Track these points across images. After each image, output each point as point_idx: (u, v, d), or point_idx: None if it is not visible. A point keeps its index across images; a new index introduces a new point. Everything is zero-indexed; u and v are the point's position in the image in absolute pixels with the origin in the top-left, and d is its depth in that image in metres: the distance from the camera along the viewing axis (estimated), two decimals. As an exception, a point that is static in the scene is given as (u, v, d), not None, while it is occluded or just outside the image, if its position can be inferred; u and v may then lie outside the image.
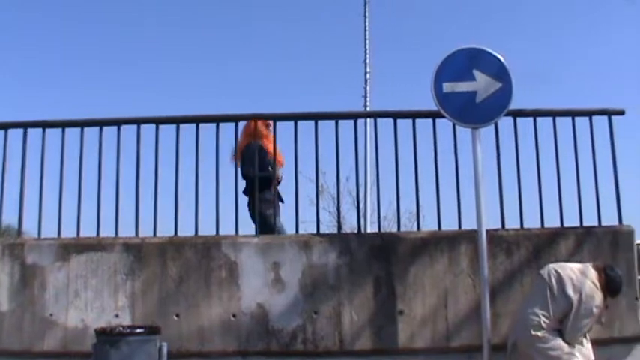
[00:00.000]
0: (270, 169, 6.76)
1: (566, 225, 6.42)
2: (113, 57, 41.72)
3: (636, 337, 6.19)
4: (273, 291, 6.04)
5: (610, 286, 5.43)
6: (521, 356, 5.42)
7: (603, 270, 5.48)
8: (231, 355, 5.99)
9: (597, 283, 5.37)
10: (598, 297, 5.34)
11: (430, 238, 6.22)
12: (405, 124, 6.41)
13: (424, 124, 6.40)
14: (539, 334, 5.25)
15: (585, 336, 5.44)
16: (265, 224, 6.64)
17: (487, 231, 5.80)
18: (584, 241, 6.28)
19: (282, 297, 6.03)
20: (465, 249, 6.12)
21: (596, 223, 6.45)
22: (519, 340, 5.41)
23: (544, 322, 5.26)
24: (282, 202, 7.16)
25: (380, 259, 6.10)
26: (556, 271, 5.42)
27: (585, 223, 6.43)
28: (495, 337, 5.76)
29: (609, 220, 6.48)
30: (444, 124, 6.23)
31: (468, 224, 6.18)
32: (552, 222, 6.43)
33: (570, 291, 5.29)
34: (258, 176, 6.58)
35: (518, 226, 6.38)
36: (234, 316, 6.00)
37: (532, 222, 6.41)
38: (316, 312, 6.00)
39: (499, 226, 6.36)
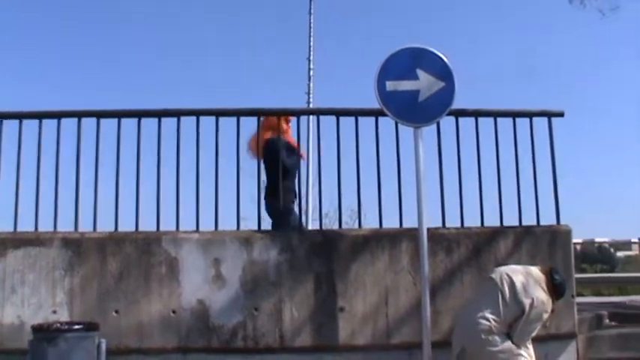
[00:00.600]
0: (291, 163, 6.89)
1: (505, 224, 6.52)
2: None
3: (572, 334, 6.33)
4: (213, 287, 6.00)
5: (556, 291, 5.51)
6: None
7: (549, 274, 5.56)
8: (171, 352, 5.92)
9: (546, 288, 5.44)
10: (548, 302, 5.42)
11: (371, 235, 6.25)
12: (348, 122, 6.43)
13: (367, 123, 6.43)
14: (490, 338, 5.28)
15: None
16: (285, 217, 6.87)
17: (428, 229, 5.82)
18: (524, 240, 6.38)
19: (223, 293, 5.99)
20: (406, 247, 6.16)
21: (535, 223, 6.56)
22: (469, 344, 5.42)
23: (494, 326, 5.29)
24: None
25: (321, 256, 6.11)
26: (508, 276, 5.46)
27: (524, 223, 6.54)
28: (436, 335, 5.81)
29: (548, 219, 6.61)
30: (387, 123, 6.25)
31: (409, 222, 6.23)
32: (492, 221, 6.52)
33: (522, 297, 5.34)
34: (289, 169, 6.78)
35: (459, 225, 6.45)
36: (174, 312, 5.94)
37: (472, 221, 6.50)
38: (257, 309, 5.98)
39: (440, 224, 6.41)
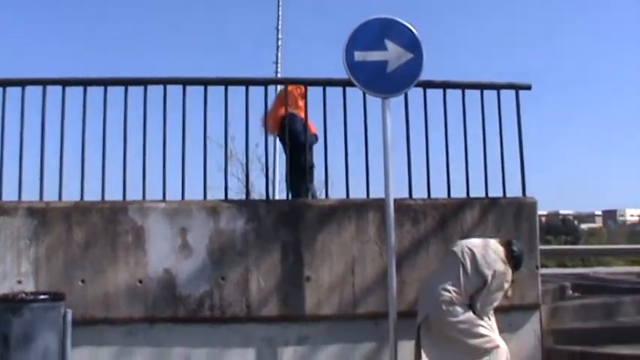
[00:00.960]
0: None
1: (472, 195, 6.57)
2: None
3: (535, 305, 6.42)
4: (180, 257, 5.98)
5: (515, 261, 5.63)
6: (433, 330, 5.53)
7: (508, 245, 5.65)
8: (137, 322, 5.92)
9: (505, 259, 5.55)
10: (508, 273, 5.55)
11: (338, 206, 6.27)
12: (316, 92, 6.41)
13: (335, 93, 6.41)
14: (451, 308, 5.39)
15: None
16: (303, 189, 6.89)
17: (395, 200, 5.86)
18: (489, 211, 6.44)
19: (190, 263, 5.98)
20: (373, 217, 6.19)
21: (501, 194, 6.61)
22: (431, 314, 5.52)
23: (455, 297, 5.39)
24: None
25: (288, 226, 6.11)
26: (469, 249, 5.56)
27: (490, 194, 6.59)
28: (401, 304, 5.86)
29: (514, 191, 6.67)
30: (355, 93, 6.24)
31: (376, 193, 6.25)
32: (459, 192, 6.58)
33: (484, 269, 5.45)
34: (307, 144, 6.74)
35: (426, 196, 6.49)
36: (140, 282, 5.92)
37: (439, 192, 6.53)
38: (224, 278, 5.98)
39: (407, 195, 6.44)
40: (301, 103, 7.01)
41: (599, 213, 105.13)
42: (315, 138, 6.96)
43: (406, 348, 5.81)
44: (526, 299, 6.32)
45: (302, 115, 6.91)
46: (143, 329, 5.94)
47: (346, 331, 6.12)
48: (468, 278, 5.45)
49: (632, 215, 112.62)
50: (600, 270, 17.04)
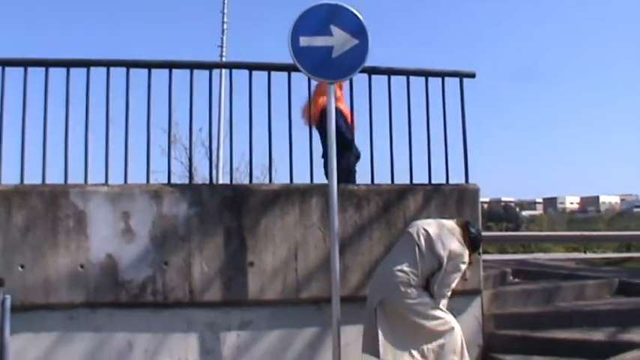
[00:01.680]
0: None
1: (415, 182, 6.62)
2: None
3: (477, 290, 6.52)
4: (122, 241, 5.92)
5: (472, 243, 5.67)
6: (389, 313, 5.52)
7: (465, 227, 5.70)
8: (79, 307, 5.86)
9: (462, 240, 5.58)
10: (465, 254, 5.57)
11: (282, 190, 6.26)
12: (260, 77, 6.39)
13: (280, 78, 6.40)
14: (408, 290, 5.40)
15: None
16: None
17: (338, 185, 5.88)
18: (432, 197, 6.50)
19: (132, 248, 5.93)
20: (316, 202, 6.21)
21: (444, 181, 6.69)
22: (388, 297, 5.51)
23: (412, 279, 5.41)
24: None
25: (231, 210, 6.09)
26: (425, 230, 5.57)
27: (434, 181, 6.66)
28: (344, 289, 5.91)
29: (457, 178, 6.76)
30: (300, 78, 6.24)
31: (320, 178, 6.29)
32: (402, 179, 6.62)
33: (440, 250, 5.47)
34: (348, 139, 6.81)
35: (369, 182, 6.53)
36: (82, 267, 5.85)
37: (383, 178, 6.58)
38: (166, 263, 5.95)
39: (350, 181, 6.45)
40: (339, 93, 6.99)
41: (540, 200, 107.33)
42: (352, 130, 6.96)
43: (349, 332, 5.87)
44: (468, 284, 6.31)
45: (340, 105, 6.88)
46: (84, 314, 5.88)
47: (289, 315, 6.14)
48: (424, 259, 5.46)
49: (571, 203, 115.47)
50: (540, 256, 17.45)
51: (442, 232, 5.58)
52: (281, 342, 6.13)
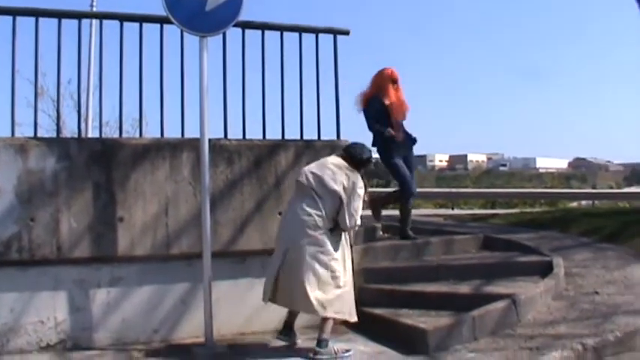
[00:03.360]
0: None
1: (287, 137, 6.69)
2: None
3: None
4: (-15, 197, 5.65)
5: (359, 163, 5.80)
6: (292, 264, 5.51)
7: (346, 152, 5.84)
8: (-62, 266, 5.58)
9: (350, 167, 5.68)
10: (357, 177, 5.66)
11: (152, 145, 6.15)
12: (132, 28, 6.21)
13: (152, 30, 6.24)
14: (316, 233, 5.46)
15: (347, 241, 5.77)
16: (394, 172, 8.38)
17: (210, 140, 5.86)
18: (304, 153, 6.58)
19: (-4, 204, 5.67)
20: (187, 157, 6.15)
21: (316, 137, 6.78)
22: (293, 245, 5.51)
23: (319, 221, 5.47)
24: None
25: (100, 165, 5.93)
26: (312, 173, 5.62)
27: (305, 137, 6.74)
28: (215, 245, 5.93)
29: (328, 134, 6.88)
30: (173, 31, 6.09)
31: (191, 132, 6.22)
32: (274, 134, 6.68)
33: (333, 186, 5.53)
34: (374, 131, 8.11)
35: (241, 137, 6.54)
36: (-59, 223, 5.56)
37: (255, 133, 6.61)
38: (33, 219, 5.73)
39: (222, 135, 6.46)
40: (390, 87, 8.00)
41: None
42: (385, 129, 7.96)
43: (220, 288, 5.97)
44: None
45: (389, 99, 7.96)
46: (-55, 273, 5.60)
47: (160, 272, 6.11)
48: (323, 200, 5.51)
49: (440, 161, 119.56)
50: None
51: (329, 169, 5.64)
52: (152, 298, 6.09)
